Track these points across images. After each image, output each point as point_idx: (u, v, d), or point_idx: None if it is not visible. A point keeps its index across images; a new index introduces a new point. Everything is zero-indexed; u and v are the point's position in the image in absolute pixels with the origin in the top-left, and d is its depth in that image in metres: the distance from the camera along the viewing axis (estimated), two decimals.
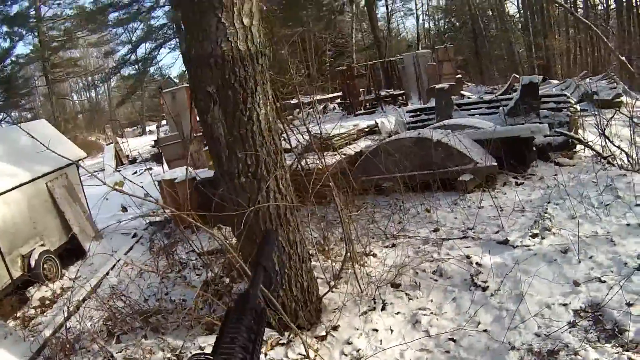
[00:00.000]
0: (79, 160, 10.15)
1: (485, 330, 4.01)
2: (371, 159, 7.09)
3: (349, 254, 4.86)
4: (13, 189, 8.08)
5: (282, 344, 4.22)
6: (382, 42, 27.41)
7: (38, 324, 7.16)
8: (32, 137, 4.96)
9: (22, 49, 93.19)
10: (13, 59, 33.31)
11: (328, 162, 5.81)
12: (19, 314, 7.50)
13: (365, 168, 7.36)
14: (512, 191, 7.07)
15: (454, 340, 3.98)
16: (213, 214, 4.53)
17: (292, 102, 13.09)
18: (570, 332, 3.74)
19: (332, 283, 4.76)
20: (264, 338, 4.20)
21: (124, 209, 9.80)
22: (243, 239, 4.04)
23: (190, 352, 3.97)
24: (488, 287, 4.57)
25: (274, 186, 3.94)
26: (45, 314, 7.48)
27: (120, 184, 8.84)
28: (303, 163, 5.90)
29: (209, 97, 3.77)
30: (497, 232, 5.74)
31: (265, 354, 4.10)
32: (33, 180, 8.57)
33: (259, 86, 3.82)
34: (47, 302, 7.85)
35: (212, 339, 4.03)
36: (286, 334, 4.29)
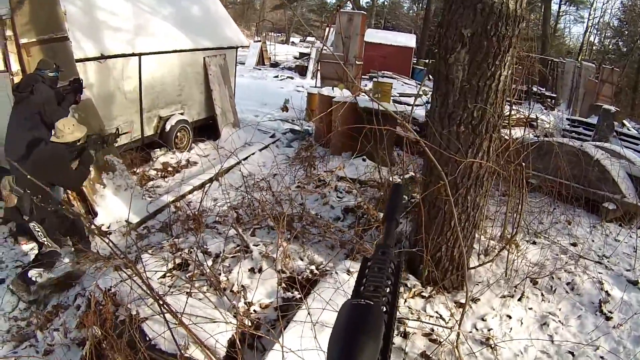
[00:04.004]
0: (241, 47, 10.35)
1: (602, 358, 4.10)
2: (536, 152, 6.84)
3: (508, 236, 4.80)
4: (172, 52, 8.27)
5: (423, 297, 4.27)
6: (548, 40, 25.95)
7: (157, 186, 7.44)
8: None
9: None
10: None
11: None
12: (138, 171, 7.73)
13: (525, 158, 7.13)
14: None
15: (573, 354, 4.07)
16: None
17: None
18: None
19: (482, 258, 4.74)
20: (408, 285, 4.28)
21: (286, 109, 9.88)
22: (430, 183, 4.09)
23: (336, 273, 4.01)
24: (612, 318, 4.57)
25: (485, 146, 3.89)
26: (165, 179, 7.75)
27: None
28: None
29: (460, 38, 3.70)
30: (628, 270, 5.62)
31: (405, 300, 4.15)
32: (193, 50, 8.74)
33: (511, 49, 3.73)
34: (170, 169, 8.14)
35: (356, 265, 4.10)
36: (429, 288, 4.33)
